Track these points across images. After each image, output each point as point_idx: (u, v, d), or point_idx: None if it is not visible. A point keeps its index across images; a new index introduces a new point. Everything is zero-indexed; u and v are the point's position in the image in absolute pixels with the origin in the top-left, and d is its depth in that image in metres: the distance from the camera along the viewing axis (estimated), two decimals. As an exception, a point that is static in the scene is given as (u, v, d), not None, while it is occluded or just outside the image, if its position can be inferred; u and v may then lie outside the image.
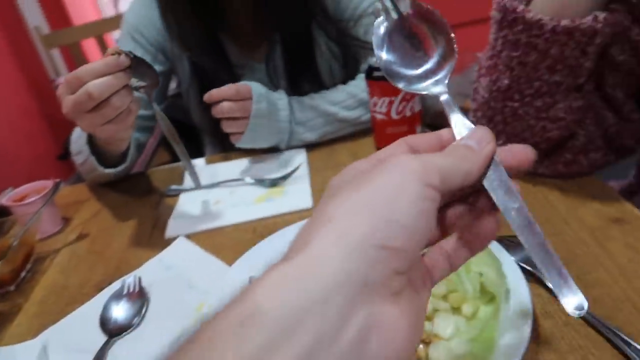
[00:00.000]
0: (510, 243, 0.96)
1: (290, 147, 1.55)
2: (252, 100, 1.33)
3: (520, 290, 0.81)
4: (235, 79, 1.68)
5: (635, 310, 0.79)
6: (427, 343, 0.75)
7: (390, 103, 1.36)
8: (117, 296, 1.02)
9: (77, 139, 1.41)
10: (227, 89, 1.31)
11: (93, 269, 1.19)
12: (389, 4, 0.52)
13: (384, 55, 0.54)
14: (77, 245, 1.31)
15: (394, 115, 1.38)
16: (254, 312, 0.30)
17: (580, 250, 0.94)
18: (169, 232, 1.26)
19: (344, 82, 1.64)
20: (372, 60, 1.40)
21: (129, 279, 1.06)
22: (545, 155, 1.13)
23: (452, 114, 0.49)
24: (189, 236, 1.23)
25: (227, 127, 1.43)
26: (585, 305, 0.40)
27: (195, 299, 0.97)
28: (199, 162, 1.66)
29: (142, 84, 1.07)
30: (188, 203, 1.38)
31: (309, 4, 1.57)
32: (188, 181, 1.51)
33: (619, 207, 1.04)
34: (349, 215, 0.34)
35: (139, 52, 1.58)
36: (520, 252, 0.92)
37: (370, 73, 1.37)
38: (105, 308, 1.00)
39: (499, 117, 1.08)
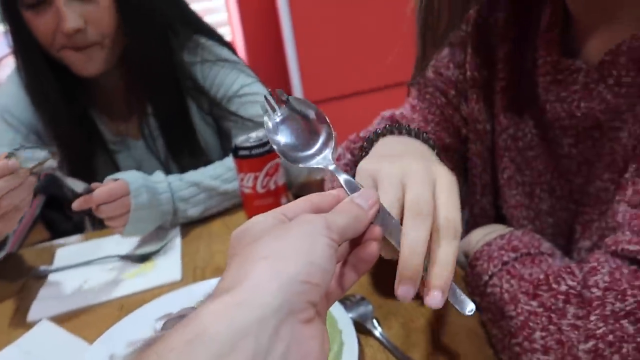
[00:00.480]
0: (349, 302, 1.10)
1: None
2: (130, 195, 1.32)
3: (351, 342, 0.94)
4: (111, 157, 1.73)
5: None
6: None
7: (255, 178, 1.49)
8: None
9: None
10: (99, 194, 1.25)
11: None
12: (273, 103, 0.66)
13: (281, 140, 0.66)
14: None
15: (259, 189, 1.51)
16: (200, 332, 0.36)
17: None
18: (32, 316, 1.24)
19: (221, 155, 1.76)
20: (239, 140, 1.54)
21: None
22: None
23: (340, 176, 0.61)
24: (53, 318, 1.23)
25: (109, 223, 1.40)
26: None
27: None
28: (74, 240, 1.65)
29: (32, 164, 1.09)
30: (56, 284, 1.38)
31: (180, 76, 1.63)
32: (58, 261, 1.50)
33: None
34: (281, 256, 0.43)
35: (9, 135, 1.59)
36: (355, 309, 1.06)
37: (236, 151, 1.50)
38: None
39: None
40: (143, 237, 1.55)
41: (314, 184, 1.62)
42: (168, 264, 1.39)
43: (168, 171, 1.65)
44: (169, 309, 1.13)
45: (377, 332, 0.99)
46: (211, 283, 1.22)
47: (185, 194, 1.57)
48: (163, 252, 1.45)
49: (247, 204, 1.58)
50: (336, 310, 1.01)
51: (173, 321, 0.51)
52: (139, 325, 1.10)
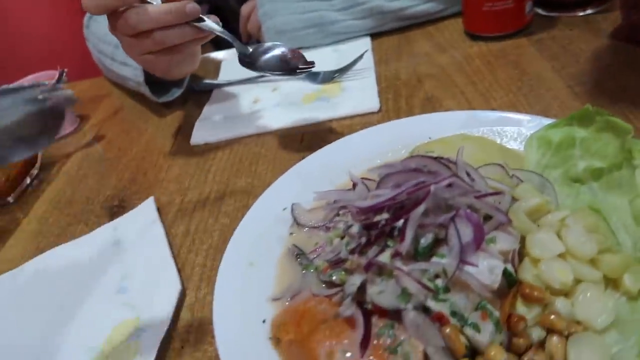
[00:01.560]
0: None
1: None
2: None
3: None
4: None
5: None
6: (564, 336, 0.46)
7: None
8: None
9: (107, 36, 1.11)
10: None
11: (104, 181, 0.96)
12: None
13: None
14: (90, 150, 1.09)
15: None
16: None
17: None
18: (195, 138, 1.00)
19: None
20: None
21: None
22: None
23: None
24: (218, 144, 0.97)
25: None
26: None
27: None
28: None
29: None
30: (220, 102, 1.10)
31: None
32: (224, 74, 1.22)
33: None
34: None
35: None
36: None
37: None
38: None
39: None
40: (323, 53, 1.17)
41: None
42: (360, 88, 1.02)
43: None
44: (363, 152, 0.78)
45: None
46: (425, 118, 0.82)
47: None
48: (352, 73, 1.06)
49: (469, 10, 1.08)
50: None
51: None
52: (328, 168, 0.77)
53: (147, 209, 0.80)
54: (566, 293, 0.49)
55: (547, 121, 0.72)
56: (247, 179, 0.86)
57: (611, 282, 0.50)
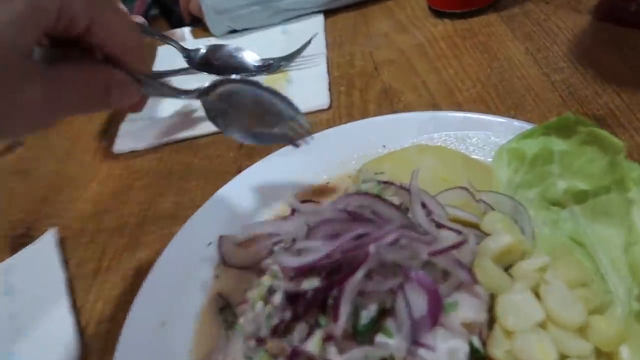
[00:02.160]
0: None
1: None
2: None
3: None
4: None
5: None
6: None
7: None
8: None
9: None
10: None
11: (12, 201, 0.82)
12: None
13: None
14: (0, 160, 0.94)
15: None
16: None
17: None
18: (119, 146, 0.86)
19: None
20: None
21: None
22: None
23: None
24: (146, 152, 0.83)
25: None
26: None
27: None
28: (181, 32, 1.19)
29: None
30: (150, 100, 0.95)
31: None
32: (161, 61, 1.07)
33: None
34: None
35: None
36: None
37: None
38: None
39: None
40: (270, 37, 1.03)
41: None
42: (308, 80, 0.88)
43: None
44: (310, 164, 0.65)
45: None
46: (379, 122, 0.70)
47: None
48: (301, 60, 0.92)
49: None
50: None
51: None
52: (268, 183, 0.64)
53: (46, 247, 0.66)
54: (548, 374, 0.39)
55: (520, 124, 0.60)
56: (174, 198, 0.73)
57: (604, 355, 0.39)
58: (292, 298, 0.40)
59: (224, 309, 0.52)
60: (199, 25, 1.15)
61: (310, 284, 0.40)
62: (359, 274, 0.37)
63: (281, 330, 0.40)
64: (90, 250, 0.68)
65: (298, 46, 0.94)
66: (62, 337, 0.54)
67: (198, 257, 0.58)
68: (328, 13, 1.06)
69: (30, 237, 0.72)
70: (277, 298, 0.41)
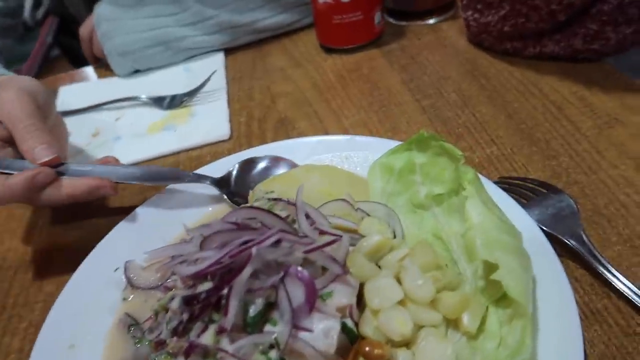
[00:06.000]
0: (524, 192, 0.63)
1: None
2: None
3: (551, 278, 0.49)
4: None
5: None
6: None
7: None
8: None
9: None
10: None
11: None
12: None
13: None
14: None
15: (343, -3, 0.97)
16: None
17: (626, 196, 0.62)
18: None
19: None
20: None
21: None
22: (559, 29, 0.81)
23: None
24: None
25: None
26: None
27: None
28: (85, 73, 1.21)
29: None
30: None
31: None
32: (62, 103, 1.08)
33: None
34: None
35: None
36: (541, 207, 0.60)
37: None
38: None
39: None
40: (173, 75, 1.08)
41: None
42: (210, 114, 0.94)
43: None
44: (210, 190, 0.71)
45: (592, 255, 0.54)
46: (273, 147, 0.77)
47: None
48: (202, 95, 0.98)
49: (321, 23, 1.05)
50: (509, 208, 0.55)
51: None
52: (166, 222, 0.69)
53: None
54: (407, 343, 0.46)
55: (393, 143, 0.70)
56: (80, 232, 0.75)
57: (452, 322, 0.48)
58: (188, 301, 0.45)
59: (132, 327, 0.56)
60: (103, 66, 1.18)
61: (204, 287, 0.45)
62: (245, 273, 0.44)
63: (180, 331, 0.44)
64: (-7, 288, 0.68)
65: (200, 83, 1.00)
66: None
67: (105, 282, 0.61)
68: (228, 51, 1.13)
69: None
70: (176, 303, 0.46)
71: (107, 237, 0.66)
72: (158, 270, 0.61)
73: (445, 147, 0.59)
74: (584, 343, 0.47)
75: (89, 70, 1.21)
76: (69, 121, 1.00)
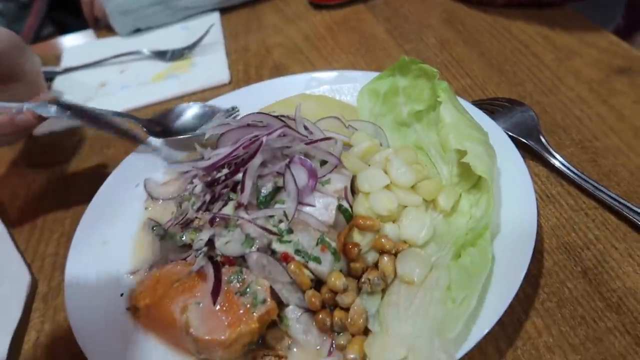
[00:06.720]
0: (493, 107, 0.72)
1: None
2: None
3: (514, 170, 0.59)
4: None
5: (660, 183, 0.60)
6: (393, 254, 0.52)
7: None
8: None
9: None
10: None
11: None
12: None
13: None
14: None
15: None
16: None
17: (581, 111, 0.72)
18: (39, 128, 0.93)
19: None
20: None
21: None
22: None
23: None
24: (66, 133, 0.92)
25: None
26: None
27: None
28: (84, 36, 1.27)
29: None
30: (64, 89, 1.04)
31: None
32: (67, 61, 1.14)
33: (622, 53, 0.81)
34: None
35: None
36: (507, 118, 0.69)
37: None
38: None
39: None
40: (171, 32, 1.15)
41: None
42: (210, 62, 1.02)
43: None
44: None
45: (549, 153, 0.63)
46: (270, 83, 0.85)
47: None
48: (201, 48, 1.06)
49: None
50: (479, 117, 0.64)
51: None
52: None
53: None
54: (394, 219, 0.56)
55: (377, 74, 0.79)
56: (99, 160, 0.83)
57: (431, 204, 0.58)
58: (209, 184, 0.54)
59: (155, 227, 0.64)
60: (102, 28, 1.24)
61: (221, 173, 0.54)
62: (258, 158, 0.52)
63: (204, 209, 0.53)
64: (23, 212, 0.76)
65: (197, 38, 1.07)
66: (12, 270, 0.63)
67: (129, 196, 0.69)
68: (223, 11, 1.20)
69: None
70: (199, 188, 0.55)
71: (125, 160, 0.74)
72: (173, 185, 0.70)
73: (423, 68, 0.67)
74: (539, 217, 0.56)
75: (89, 32, 1.28)
76: (75, 76, 1.08)
